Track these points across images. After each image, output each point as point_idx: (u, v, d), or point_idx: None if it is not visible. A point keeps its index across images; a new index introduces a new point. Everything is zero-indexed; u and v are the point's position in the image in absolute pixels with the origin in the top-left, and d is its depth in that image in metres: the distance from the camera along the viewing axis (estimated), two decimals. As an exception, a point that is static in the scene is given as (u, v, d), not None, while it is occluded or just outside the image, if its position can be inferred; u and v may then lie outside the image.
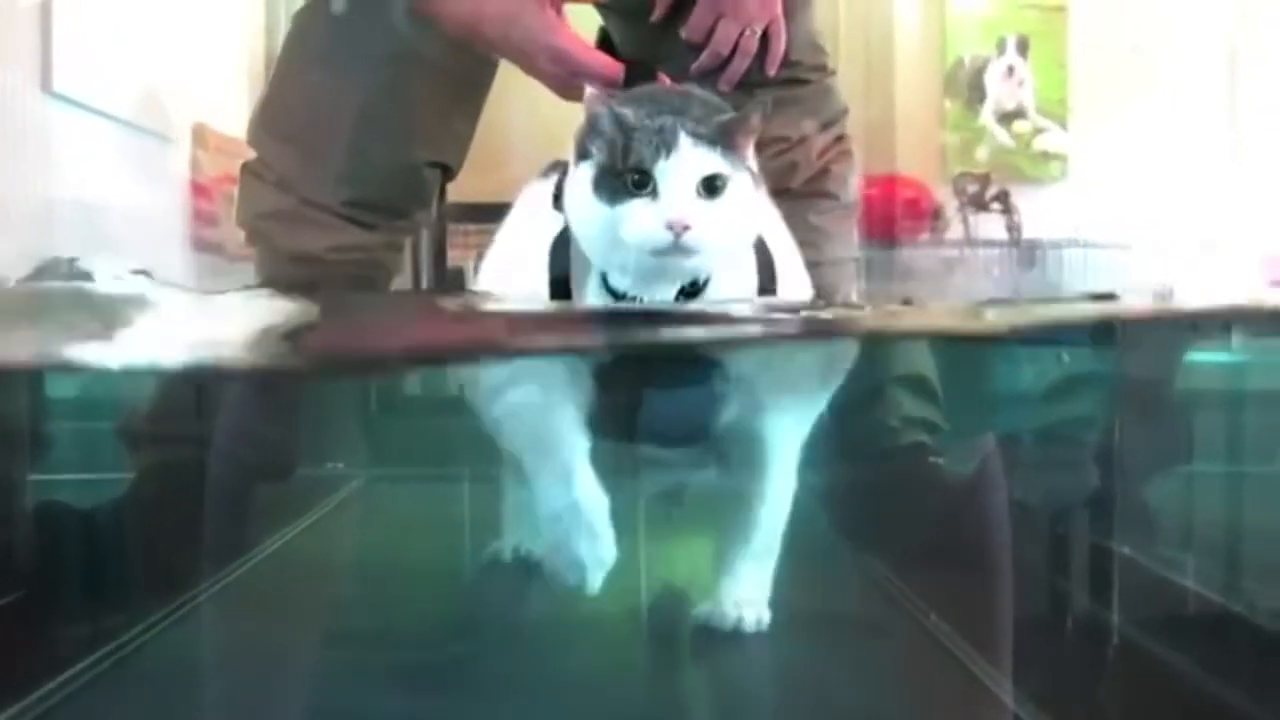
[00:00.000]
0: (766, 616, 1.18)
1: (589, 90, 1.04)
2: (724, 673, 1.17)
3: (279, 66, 1.53)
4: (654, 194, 0.96)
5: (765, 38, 1.40)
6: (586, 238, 1.01)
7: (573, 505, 1.08)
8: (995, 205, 3.22)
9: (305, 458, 1.56)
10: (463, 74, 1.49)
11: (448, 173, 1.54)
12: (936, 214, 3.27)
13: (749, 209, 1.01)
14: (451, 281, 2.49)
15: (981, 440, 1.38)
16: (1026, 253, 3.13)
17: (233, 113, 2.61)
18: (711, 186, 0.97)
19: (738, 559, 1.21)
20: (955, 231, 3.26)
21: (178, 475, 1.30)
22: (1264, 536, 1.22)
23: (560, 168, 1.13)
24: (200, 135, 2.46)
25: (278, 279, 1.47)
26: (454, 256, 2.55)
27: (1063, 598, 1.20)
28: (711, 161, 0.97)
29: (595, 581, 1.09)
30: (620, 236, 0.97)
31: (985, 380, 1.35)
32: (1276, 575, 1.15)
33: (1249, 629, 1.09)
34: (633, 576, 1.30)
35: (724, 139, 0.98)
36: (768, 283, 1.08)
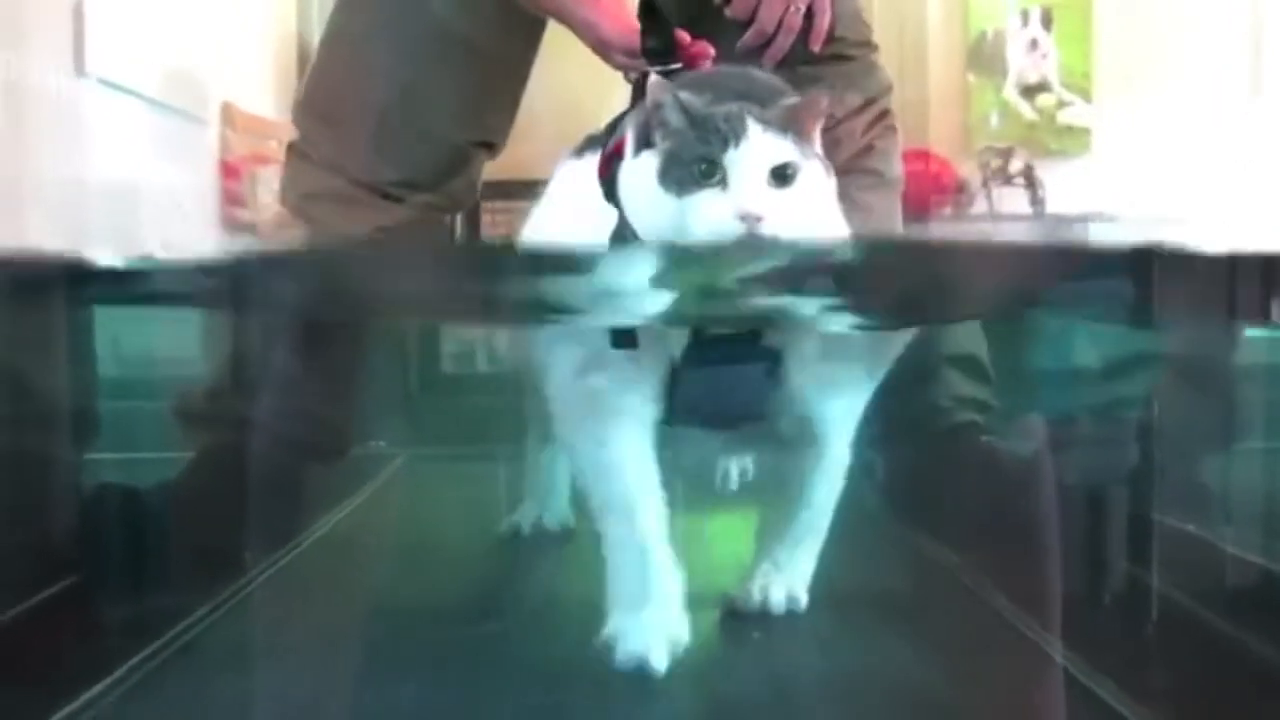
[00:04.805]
0: (803, 599, 1.19)
1: (652, 77, 1.02)
2: (784, 651, 1.17)
3: (323, 47, 1.53)
4: (723, 184, 0.94)
5: (810, 14, 1.39)
6: (649, 229, 0.98)
7: (643, 573, 1.06)
8: (1019, 179, 3.21)
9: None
10: (506, 52, 1.49)
11: (491, 151, 1.54)
12: (960, 188, 3.26)
13: (821, 198, 0.98)
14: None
15: (1032, 419, 1.38)
16: (1051, 227, 3.13)
17: (260, 92, 2.62)
18: (782, 175, 0.95)
19: (780, 542, 1.20)
20: (979, 206, 3.24)
21: (238, 455, 1.30)
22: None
23: (595, 144, 1.11)
24: (229, 115, 2.46)
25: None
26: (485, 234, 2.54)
27: (1123, 573, 1.19)
28: (782, 149, 0.95)
29: (661, 661, 1.03)
30: (688, 227, 0.94)
31: (1039, 359, 1.35)
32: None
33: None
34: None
35: (793, 125, 0.96)
36: None
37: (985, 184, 3.24)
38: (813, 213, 0.97)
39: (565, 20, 1.28)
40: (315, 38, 2.65)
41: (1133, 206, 2.99)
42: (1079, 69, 3.29)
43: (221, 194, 2.47)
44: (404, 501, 1.64)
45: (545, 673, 1.07)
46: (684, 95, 0.97)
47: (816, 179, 0.97)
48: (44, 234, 1.83)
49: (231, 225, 2.46)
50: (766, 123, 0.95)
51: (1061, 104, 3.31)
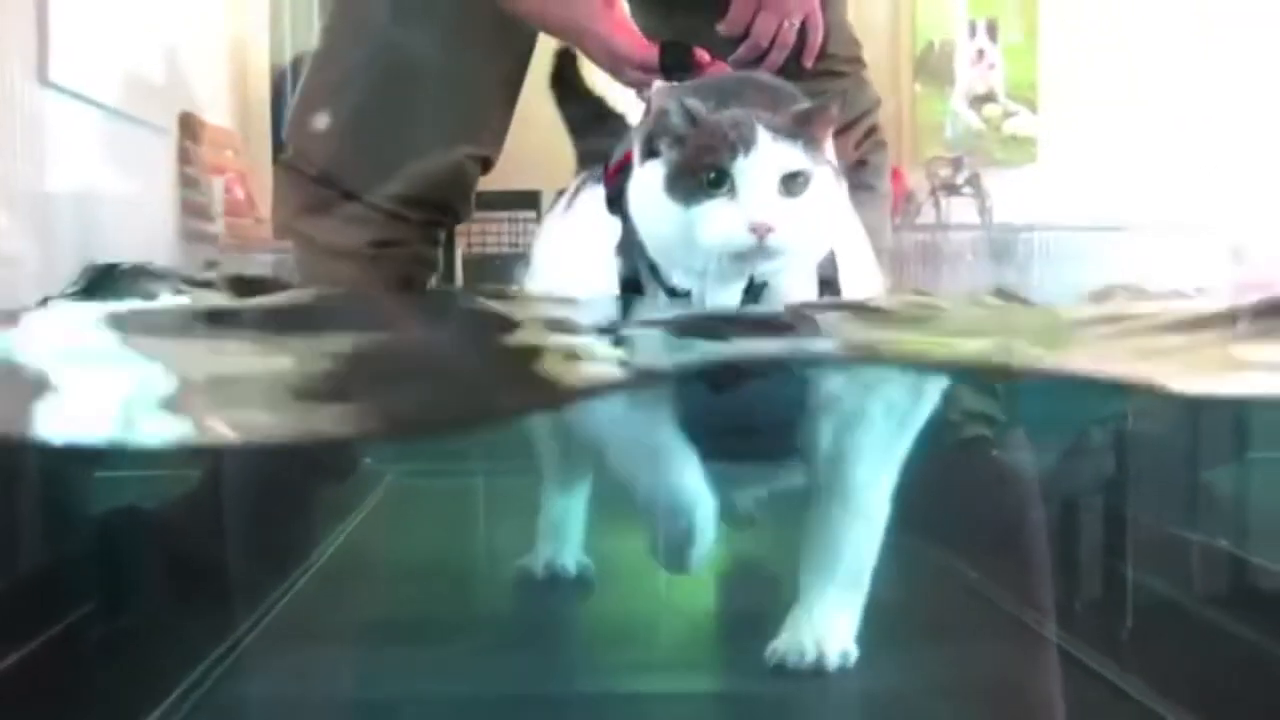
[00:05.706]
0: (854, 653, 1.03)
1: (656, 84, 1.01)
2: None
3: (316, 62, 1.51)
4: (732, 193, 0.90)
5: (802, 30, 1.40)
6: (656, 239, 0.95)
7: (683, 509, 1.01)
8: (966, 189, 3.25)
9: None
10: (498, 67, 1.49)
11: (486, 165, 1.54)
12: (908, 198, 3.29)
13: (832, 206, 0.95)
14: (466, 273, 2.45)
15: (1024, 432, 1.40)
16: (1000, 242, 3.15)
17: (221, 103, 2.59)
18: (793, 183, 0.91)
19: (820, 592, 1.06)
20: (926, 215, 3.28)
21: (246, 476, 1.28)
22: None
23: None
24: (188, 125, 2.42)
25: (317, 276, 1.46)
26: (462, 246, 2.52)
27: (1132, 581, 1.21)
28: (792, 157, 0.91)
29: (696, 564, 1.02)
30: (696, 238, 0.91)
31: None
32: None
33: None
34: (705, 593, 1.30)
35: (804, 131, 0.93)
36: (831, 281, 1.02)
37: (933, 193, 3.28)
38: (824, 222, 0.94)
39: (576, 36, 1.27)
40: (286, 51, 2.65)
41: (1078, 216, 3.05)
42: (1025, 80, 3.34)
43: (182, 205, 2.43)
44: (407, 519, 1.62)
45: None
46: (690, 101, 0.94)
47: (828, 187, 0.94)
48: (8, 237, 1.80)
49: (191, 236, 2.43)
50: (776, 129, 0.92)
51: (1008, 114, 3.36)
